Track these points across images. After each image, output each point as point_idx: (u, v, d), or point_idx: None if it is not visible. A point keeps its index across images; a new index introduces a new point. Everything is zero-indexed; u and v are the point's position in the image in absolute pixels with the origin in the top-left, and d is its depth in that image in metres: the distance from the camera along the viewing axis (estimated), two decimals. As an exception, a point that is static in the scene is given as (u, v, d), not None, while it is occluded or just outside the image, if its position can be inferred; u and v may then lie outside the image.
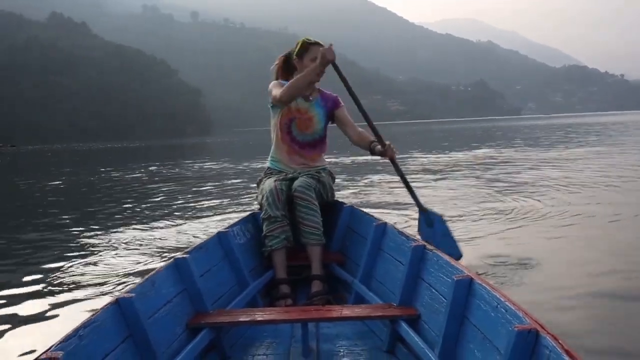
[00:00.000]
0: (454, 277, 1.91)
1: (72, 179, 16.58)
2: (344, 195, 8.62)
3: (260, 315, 2.34)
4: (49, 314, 3.68)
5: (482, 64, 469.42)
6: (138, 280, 2.60)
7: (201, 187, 11.52)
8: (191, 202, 9.00)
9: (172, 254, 4.29)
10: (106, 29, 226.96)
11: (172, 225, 6.75)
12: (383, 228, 2.83)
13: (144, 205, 9.00)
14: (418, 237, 2.56)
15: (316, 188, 3.23)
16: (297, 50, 3.36)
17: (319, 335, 2.50)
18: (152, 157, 29.23)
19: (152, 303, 2.02)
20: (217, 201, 9.02)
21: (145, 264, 4.77)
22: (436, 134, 45.41)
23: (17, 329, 3.44)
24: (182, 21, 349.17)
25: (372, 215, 3.12)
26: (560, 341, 1.33)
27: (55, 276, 4.62)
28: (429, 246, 2.32)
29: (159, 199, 9.91)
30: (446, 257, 2.14)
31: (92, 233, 6.58)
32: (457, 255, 3.06)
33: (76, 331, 1.59)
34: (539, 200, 7.35)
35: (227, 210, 7.71)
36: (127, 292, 1.92)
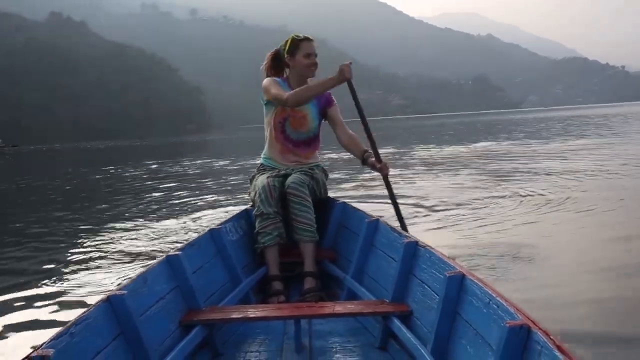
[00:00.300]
0: (446, 273, 1.91)
1: (72, 177, 16.63)
2: (344, 190, 8.62)
3: (252, 312, 2.34)
4: (41, 311, 3.67)
5: (482, 57, 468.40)
6: (130, 277, 2.58)
7: (200, 184, 11.54)
8: (189, 199, 9.02)
9: (169, 248, 4.30)
10: (105, 28, 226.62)
11: (170, 222, 6.77)
12: (375, 224, 2.83)
13: (143, 203, 9.02)
14: (410, 233, 2.56)
15: (309, 185, 3.22)
16: (287, 47, 3.32)
17: (312, 331, 2.50)
18: (153, 155, 29.25)
19: (144, 300, 2.01)
20: (216, 197, 9.04)
21: (141, 260, 4.78)
22: (437, 128, 45.39)
23: (9, 326, 3.43)
24: (181, 18, 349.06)
25: (365, 212, 3.12)
26: (551, 337, 1.33)
27: (48, 273, 4.62)
28: (421, 242, 2.32)
29: (157, 196, 9.93)
30: (438, 254, 2.14)
31: (88, 230, 6.61)
32: None
33: (67, 329, 1.58)
34: (539, 193, 7.36)
35: (226, 206, 7.72)
36: (119, 289, 1.90)
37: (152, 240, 5.80)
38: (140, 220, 7.18)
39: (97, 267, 4.76)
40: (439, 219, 6.08)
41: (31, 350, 1.44)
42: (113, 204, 9.28)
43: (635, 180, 8.23)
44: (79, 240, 6.10)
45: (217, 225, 2.96)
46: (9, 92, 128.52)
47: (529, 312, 1.48)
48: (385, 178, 3.28)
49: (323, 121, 3.45)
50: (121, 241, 5.81)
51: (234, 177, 12.48)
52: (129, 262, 4.82)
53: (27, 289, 4.30)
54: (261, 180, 3.21)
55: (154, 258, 4.78)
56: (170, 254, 2.35)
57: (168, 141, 60.11)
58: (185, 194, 9.90)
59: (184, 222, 6.77)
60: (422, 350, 1.94)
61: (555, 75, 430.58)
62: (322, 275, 3.15)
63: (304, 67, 3.29)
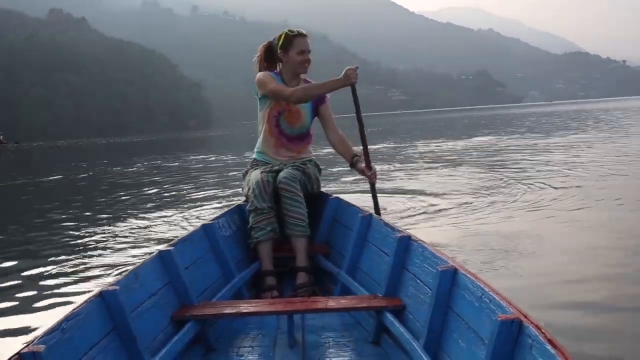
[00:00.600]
0: (438, 267, 1.92)
1: (72, 173, 16.61)
2: (341, 184, 8.67)
3: (245, 307, 2.34)
4: (32, 306, 3.65)
5: (483, 52, 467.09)
6: (122, 272, 2.58)
7: (200, 179, 11.54)
8: (189, 194, 9.05)
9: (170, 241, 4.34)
10: (106, 25, 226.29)
11: (167, 217, 6.78)
12: (369, 219, 2.83)
13: (142, 198, 9.04)
14: (403, 228, 2.56)
15: (301, 180, 3.20)
16: (280, 42, 3.27)
17: (305, 326, 2.50)
18: (155, 151, 29.29)
19: (136, 296, 2.01)
20: (215, 192, 9.08)
21: (135, 256, 4.78)
22: (438, 123, 45.35)
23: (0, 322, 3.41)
24: (182, 15, 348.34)
25: (358, 207, 3.11)
26: (543, 330, 1.34)
27: (41, 269, 4.62)
28: (414, 237, 2.32)
29: (157, 191, 9.95)
30: (431, 248, 2.15)
31: (84, 226, 6.63)
32: None
33: (59, 324, 1.57)
34: (538, 187, 7.39)
35: (225, 202, 7.74)
36: (111, 284, 1.90)
37: (152, 234, 5.82)
38: (141, 214, 7.20)
39: (92, 261, 4.76)
40: (436, 213, 6.09)
41: (22, 346, 1.43)
42: (113, 199, 9.26)
43: (635, 176, 8.27)
44: (77, 235, 6.12)
45: (210, 221, 2.95)
46: (9, 89, 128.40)
47: (520, 305, 1.49)
48: (373, 185, 3.35)
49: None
50: (119, 235, 5.82)
51: (236, 172, 12.54)
52: (125, 257, 4.83)
53: (20, 282, 4.30)
54: (255, 175, 3.19)
55: (150, 252, 4.85)
56: (162, 249, 2.34)
57: (170, 137, 60.11)
58: (187, 189, 9.94)
59: (185, 216, 6.79)
60: (415, 345, 1.94)
61: (556, 69, 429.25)
62: (316, 270, 3.14)
63: (297, 64, 3.26)
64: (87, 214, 7.88)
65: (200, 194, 9.06)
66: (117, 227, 6.41)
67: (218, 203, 7.79)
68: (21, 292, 4.04)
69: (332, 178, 8.81)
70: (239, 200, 3.54)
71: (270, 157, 3.36)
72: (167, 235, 5.67)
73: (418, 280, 2.17)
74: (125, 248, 5.20)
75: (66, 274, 4.40)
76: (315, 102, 3.37)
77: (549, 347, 1.28)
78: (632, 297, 3.36)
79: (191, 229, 2.95)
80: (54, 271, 4.53)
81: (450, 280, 1.87)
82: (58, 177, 15.93)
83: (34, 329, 3.14)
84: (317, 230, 3.31)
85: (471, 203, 6.53)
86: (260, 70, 3.36)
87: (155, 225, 6.33)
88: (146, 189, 10.64)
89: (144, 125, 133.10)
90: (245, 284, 2.96)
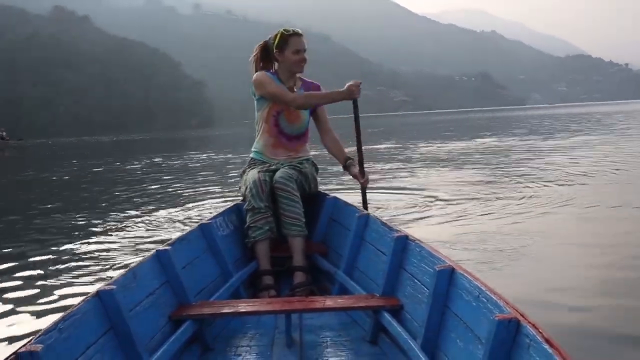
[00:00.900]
0: (436, 267, 1.91)
1: (74, 170, 16.65)
2: (342, 184, 8.65)
3: (243, 306, 2.34)
4: (29, 306, 3.64)
5: (486, 54, 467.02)
6: (120, 272, 2.57)
7: (201, 177, 11.57)
8: (189, 192, 9.05)
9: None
10: (109, 22, 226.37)
11: (166, 215, 6.77)
12: (366, 219, 2.83)
13: (141, 196, 9.05)
14: (401, 227, 2.56)
15: (297, 179, 3.20)
16: (276, 42, 3.27)
17: (303, 326, 2.50)
18: (156, 149, 29.29)
19: (133, 295, 2.01)
20: (215, 190, 9.10)
21: (132, 255, 4.76)
22: (440, 125, 45.33)
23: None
24: (185, 13, 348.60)
25: (356, 206, 3.12)
26: (540, 330, 1.35)
27: (37, 268, 4.60)
28: (411, 237, 2.32)
29: (156, 189, 9.95)
30: (428, 248, 2.15)
31: (83, 224, 6.61)
32: None
33: (56, 324, 1.57)
34: (539, 188, 7.41)
35: (225, 198, 7.76)
36: (108, 284, 1.90)
37: (151, 232, 5.81)
38: (140, 213, 7.19)
39: (89, 260, 4.74)
40: (435, 212, 6.11)
41: (20, 345, 1.43)
42: (113, 197, 9.27)
43: (636, 178, 8.27)
44: (75, 233, 6.11)
45: (208, 220, 2.95)
46: (11, 86, 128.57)
47: (518, 305, 1.50)
48: (364, 189, 3.40)
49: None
50: (117, 233, 5.81)
51: (237, 171, 12.55)
52: (123, 255, 4.81)
53: (16, 281, 4.28)
54: (252, 174, 3.19)
55: (148, 251, 4.84)
56: (159, 248, 2.34)
57: (172, 136, 60.10)
58: (187, 187, 9.95)
59: (185, 214, 6.80)
60: (413, 344, 1.94)
61: (559, 72, 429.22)
62: (313, 269, 3.14)
63: (293, 64, 3.26)
64: (86, 211, 7.87)
65: (201, 192, 9.06)
66: (115, 224, 6.39)
67: (218, 199, 7.82)
68: (18, 291, 4.01)
69: (329, 177, 8.84)
70: (238, 198, 3.55)
71: (268, 156, 3.36)
72: (165, 234, 5.65)
73: (415, 280, 2.17)
74: (122, 247, 5.18)
75: (63, 273, 4.37)
76: None
77: (546, 346, 1.28)
78: (630, 297, 3.37)
79: (189, 227, 3.01)
80: (50, 269, 4.50)
81: (448, 279, 1.87)
82: (60, 174, 15.94)
83: (31, 329, 3.12)
84: (314, 230, 3.30)
85: (470, 203, 6.54)
86: (256, 70, 3.36)
87: (154, 224, 6.32)
88: (146, 186, 10.66)
89: (145, 124, 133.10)
90: (242, 283, 2.95)
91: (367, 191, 3.34)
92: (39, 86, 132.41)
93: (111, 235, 5.85)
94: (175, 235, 5.25)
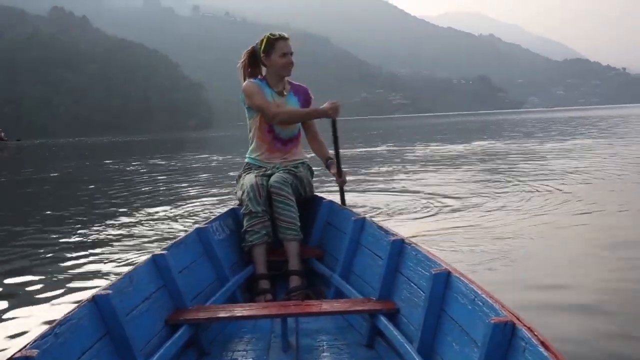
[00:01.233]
0: (432, 270, 1.92)
1: (72, 171, 16.61)
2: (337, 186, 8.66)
3: (239, 310, 2.34)
4: (24, 311, 3.60)
5: (484, 57, 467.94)
6: (116, 276, 2.55)
7: (199, 178, 11.53)
8: (186, 193, 8.98)
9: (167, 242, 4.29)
10: (107, 23, 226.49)
11: (163, 218, 6.75)
12: (362, 223, 2.83)
13: (138, 197, 9.00)
14: (397, 231, 2.55)
15: (293, 183, 3.20)
16: (263, 47, 3.29)
17: (299, 330, 2.51)
18: (154, 150, 29.30)
19: (129, 300, 2.00)
20: (212, 191, 9.09)
21: (128, 258, 4.73)
22: (437, 127, 45.40)
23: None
24: (183, 15, 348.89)
25: (351, 210, 3.13)
26: (536, 333, 1.35)
27: (33, 272, 4.57)
28: (407, 240, 2.33)
29: (154, 190, 9.93)
30: (424, 251, 2.15)
31: (79, 226, 6.57)
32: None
33: (52, 329, 1.57)
34: (536, 190, 7.41)
35: (221, 198, 7.76)
36: (104, 288, 1.89)
37: (146, 235, 5.77)
38: (137, 215, 7.16)
39: (85, 264, 4.72)
40: (433, 214, 6.11)
41: (15, 351, 1.41)
42: (111, 199, 9.17)
43: (633, 181, 8.31)
44: (71, 236, 6.08)
45: (204, 224, 2.95)
46: (10, 86, 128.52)
47: (514, 308, 1.50)
48: (341, 187, 3.49)
49: None
50: (113, 236, 5.79)
51: (234, 173, 12.56)
52: (118, 259, 4.78)
53: (12, 285, 4.24)
54: (249, 178, 3.19)
55: (144, 255, 4.73)
56: (156, 253, 2.34)
57: (170, 137, 60.11)
58: (184, 188, 9.91)
59: (182, 215, 6.78)
60: (409, 348, 1.94)
61: (556, 76, 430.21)
62: (309, 273, 3.15)
63: (280, 67, 3.28)
64: (83, 213, 7.85)
65: (198, 194, 9.06)
66: (112, 227, 6.37)
67: (215, 199, 7.81)
68: (12, 294, 3.98)
69: (325, 180, 8.79)
70: (234, 201, 3.53)
71: (263, 161, 3.37)
72: (161, 234, 5.64)
73: (412, 284, 2.17)
74: (118, 250, 5.14)
75: (59, 277, 4.33)
76: (302, 101, 3.43)
77: (542, 349, 1.29)
78: (627, 300, 3.37)
79: (186, 229, 2.95)
80: (46, 274, 4.46)
81: (444, 283, 1.88)
82: (56, 174, 15.95)
83: (27, 334, 3.11)
84: (310, 234, 3.30)
85: (468, 205, 6.53)
86: (244, 76, 3.39)
87: (151, 226, 6.29)
88: (143, 187, 10.63)
89: (144, 125, 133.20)
90: (239, 287, 2.95)
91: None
92: (38, 86, 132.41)
93: (106, 238, 5.81)
94: (172, 237, 5.23)
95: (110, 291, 1.85)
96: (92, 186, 11.73)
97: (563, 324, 2.98)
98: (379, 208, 6.62)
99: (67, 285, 4.09)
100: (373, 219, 2.89)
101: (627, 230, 5.22)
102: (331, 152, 3.51)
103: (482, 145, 18.72)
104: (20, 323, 3.38)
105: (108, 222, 6.72)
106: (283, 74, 3.31)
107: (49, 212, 8.12)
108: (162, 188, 10.48)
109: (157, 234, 5.73)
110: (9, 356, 1.38)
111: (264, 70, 3.38)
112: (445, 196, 7.32)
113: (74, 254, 5.07)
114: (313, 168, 3.52)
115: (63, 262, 4.85)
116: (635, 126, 28.94)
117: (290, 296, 2.93)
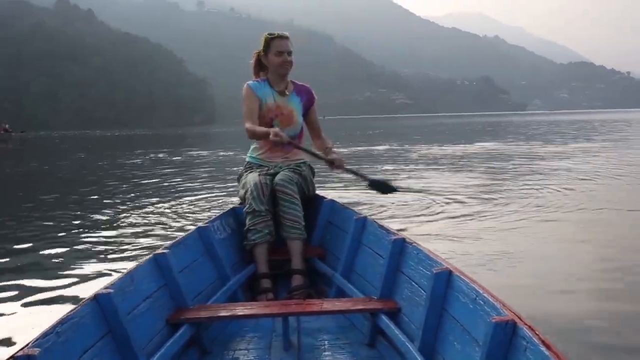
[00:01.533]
0: (433, 270, 1.92)
1: (77, 164, 16.63)
2: (338, 186, 8.71)
3: (241, 309, 2.34)
4: (26, 309, 3.60)
5: (487, 59, 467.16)
6: (117, 275, 2.55)
7: (203, 174, 11.57)
8: (189, 190, 8.99)
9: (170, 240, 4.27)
10: (112, 17, 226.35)
11: (166, 215, 6.74)
12: (363, 222, 2.84)
13: (141, 192, 9.00)
14: (398, 229, 2.54)
15: (298, 182, 3.21)
16: (262, 46, 3.35)
17: (300, 329, 2.51)
18: (158, 145, 29.32)
19: (131, 299, 2.01)
20: (215, 187, 9.11)
21: (130, 257, 4.72)
22: (440, 128, 45.37)
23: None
24: (188, 10, 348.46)
25: (353, 210, 3.13)
26: (537, 332, 1.36)
27: (34, 270, 4.56)
28: (408, 239, 2.33)
29: (157, 186, 9.92)
30: (426, 250, 2.15)
31: (80, 222, 6.56)
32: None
33: (53, 328, 1.57)
34: (539, 190, 7.47)
35: (224, 200, 7.74)
36: (106, 287, 1.89)
37: (149, 229, 5.79)
38: (139, 211, 7.16)
39: (87, 261, 4.72)
40: (434, 214, 6.13)
41: (17, 349, 1.42)
42: (111, 194, 9.20)
43: (634, 183, 8.35)
44: (73, 232, 6.08)
45: (205, 223, 2.95)
46: (14, 79, 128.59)
47: (515, 307, 1.50)
48: (341, 167, 3.34)
49: None
50: (115, 234, 5.79)
51: (236, 168, 12.59)
52: (119, 257, 4.78)
53: (12, 283, 4.22)
54: (252, 177, 3.19)
55: (145, 253, 4.73)
56: (157, 252, 2.35)
57: (174, 132, 60.06)
58: (187, 184, 9.92)
59: (184, 211, 6.79)
60: (410, 347, 1.95)
61: (560, 79, 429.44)
62: (311, 272, 3.15)
63: (276, 66, 3.30)
64: (85, 208, 7.83)
65: (202, 188, 9.07)
66: (113, 225, 6.35)
67: (219, 195, 7.82)
68: (13, 290, 3.96)
69: (326, 180, 8.85)
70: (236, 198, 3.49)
71: (265, 160, 3.39)
72: (163, 231, 5.64)
73: (413, 283, 2.18)
74: (119, 248, 5.12)
75: (60, 275, 4.32)
76: (304, 100, 3.43)
77: (543, 348, 1.29)
78: (628, 300, 3.38)
79: (187, 226, 2.98)
80: (47, 272, 4.45)
81: (445, 282, 1.88)
82: (61, 167, 15.95)
83: (28, 332, 3.06)
84: (312, 233, 3.30)
85: (470, 205, 6.56)
86: (255, 74, 3.44)
87: (152, 224, 6.26)
88: (146, 181, 10.64)
89: (148, 120, 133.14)
90: (240, 286, 2.95)
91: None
92: (42, 79, 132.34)
93: (109, 232, 5.82)
94: (173, 235, 5.25)
95: (111, 290, 1.86)
96: (95, 180, 11.75)
97: (563, 323, 2.98)
98: (382, 207, 6.65)
99: (69, 283, 4.07)
100: (374, 218, 2.89)
101: (631, 232, 5.25)
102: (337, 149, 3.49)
103: (485, 147, 18.73)
104: (22, 322, 3.38)
105: (110, 219, 6.71)
106: (280, 72, 3.32)
107: (49, 207, 8.09)
108: (164, 183, 10.50)
109: (158, 233, 5.71)
110: (10, 355, 1.38)
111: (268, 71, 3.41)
112: (448, 196, 7.34)
113: (75, 252, 5.06)
114: (314, 168, 3.53)
115: (64, 260, 4.83)
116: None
117: (292, 295, 2.93)
